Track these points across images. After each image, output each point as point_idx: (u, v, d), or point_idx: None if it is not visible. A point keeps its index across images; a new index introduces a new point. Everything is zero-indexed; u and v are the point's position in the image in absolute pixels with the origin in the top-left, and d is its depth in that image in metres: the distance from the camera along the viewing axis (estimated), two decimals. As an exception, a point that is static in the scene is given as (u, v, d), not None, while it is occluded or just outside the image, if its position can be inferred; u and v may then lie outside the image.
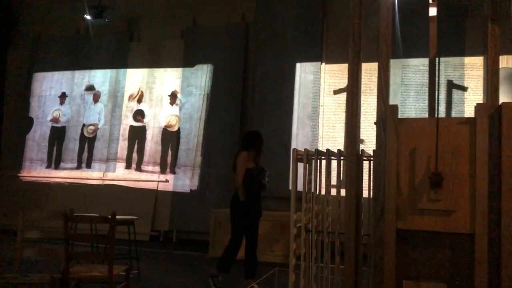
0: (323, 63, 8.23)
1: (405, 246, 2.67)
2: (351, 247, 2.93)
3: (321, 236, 3.41)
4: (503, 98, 3.49)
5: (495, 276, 2.43)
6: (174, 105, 9.15)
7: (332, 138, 8.02)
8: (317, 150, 3.38)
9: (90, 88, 9.76)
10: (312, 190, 3.42)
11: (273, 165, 8.19)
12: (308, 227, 3.29)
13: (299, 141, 8.19)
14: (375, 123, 2.86)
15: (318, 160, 3.35)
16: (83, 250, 5.48)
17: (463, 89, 7.05)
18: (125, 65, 9.57)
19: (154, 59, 9.39)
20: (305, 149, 3.39)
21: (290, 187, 7.98)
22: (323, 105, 8.15)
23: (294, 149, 3.35)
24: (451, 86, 7.26)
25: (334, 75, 8.13)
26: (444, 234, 2.58)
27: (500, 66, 4.32)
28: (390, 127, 2.73)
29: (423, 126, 2.67)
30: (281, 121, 8.30)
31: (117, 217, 5.03)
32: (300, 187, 3.46)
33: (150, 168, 9.10)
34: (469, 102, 7.22)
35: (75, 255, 3.98)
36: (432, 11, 3.72)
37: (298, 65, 8.36)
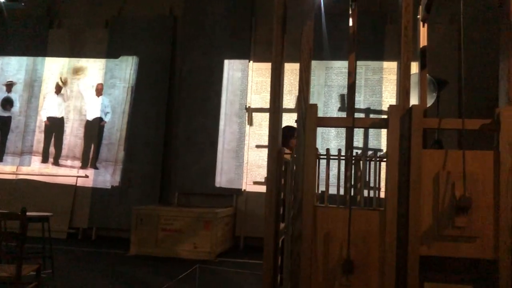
0: (251, 61, 8.31)
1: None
2: (270, 243, 2.97)
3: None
4: (414, 102, 3.71)
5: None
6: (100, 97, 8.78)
7: (258, 135, 8.13)
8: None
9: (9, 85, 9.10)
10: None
11: (200, 161, 8.15)
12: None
13: (226, 138, 8.20)
14: (296, 121, 2.93)
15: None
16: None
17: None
18: (43, 53, 9.02)
19: (75, 49, 8.94)
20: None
21: (217, 184, 8.00)
22: (250, 103, 8.23)
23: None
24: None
25: (261, 73, 8.22)
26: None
27: (413, 72, 4.59)
28: (310, 125, 2.81)
29: (341, 125, 2.78)
30: (208, 117, 8.26)
31: (31, 213, 4.74)
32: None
33: (69, 162, 8.67)
34: (387, 105, 7.62)
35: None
36: (352, 17, 3.88)
37: (226, 61, 8.37)
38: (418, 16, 3.77)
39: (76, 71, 8.92)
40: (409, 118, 2.70)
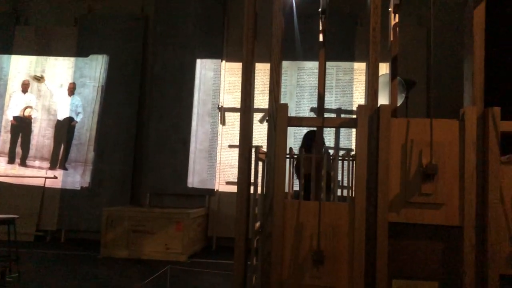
0: (224, 61, 8.29)
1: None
2: (241, 243, 2.97)
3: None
4: (383, 102, 3.77)
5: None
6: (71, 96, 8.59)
7: (231, 135, 8.11)
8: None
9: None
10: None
11: (171, 162, 8.08)
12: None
13: (198, 137, 8.15)
14: (267, 120, 2.94)
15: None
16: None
17: None
18: (9, 51, 8.77)
19: (43, 46, 8.72)
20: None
21: (189, 184, 7.94)
22: (222, 103, 8.21)
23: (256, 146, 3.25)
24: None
25: (234, 73, 8.22)
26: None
27: (382, 72, 4.68)
28: (280, 125, 2.82)
29: (311, 124, 2.80)
30: (180, 117, 8.20)
31: (-6, 216, 4.60)
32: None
33: (36, 163, 8.45)
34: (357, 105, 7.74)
35: None
36: (322, 18, 3.92)
37: (198, 61, 8.32)
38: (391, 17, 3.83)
39: (43, 69, 8.71)
40: (377, 118, 2.75)
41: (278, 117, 2.83)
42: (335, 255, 2.70)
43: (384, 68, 5.83)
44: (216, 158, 8.07)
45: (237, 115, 8.05)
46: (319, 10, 4.04)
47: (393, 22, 3.87)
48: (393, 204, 2.69)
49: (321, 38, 3.89)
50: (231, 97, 8.21)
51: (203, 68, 8.31)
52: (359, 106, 2.76)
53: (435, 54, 7.31)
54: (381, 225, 2.64)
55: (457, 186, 2.66)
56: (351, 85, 7.86)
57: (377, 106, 2.80)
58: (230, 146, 8.08)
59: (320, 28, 3.92)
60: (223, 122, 8.18)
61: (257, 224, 3.29)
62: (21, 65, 8.75)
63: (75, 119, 8.48)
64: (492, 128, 2.65)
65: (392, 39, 3.83)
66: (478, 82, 2.77)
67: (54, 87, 8.65)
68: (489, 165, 2.63)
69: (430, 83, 7.68)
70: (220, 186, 8.02)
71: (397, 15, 3.84)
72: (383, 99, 4.34)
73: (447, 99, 6.98)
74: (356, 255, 2.65)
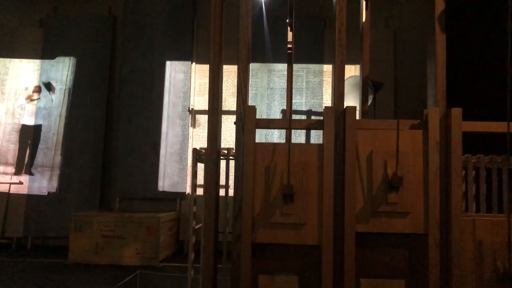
0: (194, 63, 8.24)
1: (261, 252, 2.79)
2: (210, 245, 2.95)
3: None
4: (351, 104, 3.82)
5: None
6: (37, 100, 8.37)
7: (202, 138, 8.06)
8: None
9: None
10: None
11: (141, 165, 7.98)
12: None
13: (168, 140, 8.07)
14: (235, 123, 2.93)
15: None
16: None
17: None
18: (-29, 53, 8.50)
19: (7, 48, 8.47)
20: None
21: (160, 188, 7.85)
22: (193, 105, 8.15)
23: (194, 148, 3.27)
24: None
25: (204, 75, 8.17)
26: (295, 246, 2.77)
27: (351, 74, 4.74)
28: (248, 127, 2.82)
29: (278, 126, 2.82)
30: (150, 120, 8.09)
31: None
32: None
33: (1, 168, 8.19)
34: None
35: None
36: (290, 29, 3.94)
37: (168, 63, 8.24)
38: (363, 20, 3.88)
39: (7, 72, 8.46)
40: (344, 119, 2.78)
41: (246, 119, 2.82)
42: (305, 191, 2.74)
43: (352, 70, 5.92)
44: (187, 161, 8.00)
45: (207, 117, 8.01)
46: (287, 19, 4.07)
47: (364, 24, 3.92)
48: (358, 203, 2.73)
49: (289, 38, 3.92)
50: (202, 99, 8.17)
51: (173, 70, 8.24)
52: (326, 108, 2.79)
53: (402, 56, 7.47)
54: (349, 234, 2.67)
55: (422, 193, 2.73)
56: (321, 87, 7.94)
57: (343, 107, 2.83)
58: (201, 149, 8.02)
59: (288, 30, 3.95)
60: (193, 125, 8.13)
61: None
62: (-17, 68, 8.47)
63: (40, 122, 8.28)
64: (454, 128, 2.72)
65: (363, 40, 3.87)
66: (440, 83, 2.83)
67: (19, 91, 8.41)
68: (451, 165, 2.70)
69: (397, 85, 7.84)
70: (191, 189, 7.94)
71: (367, 16, 3.90)
72: (352, 101, 4.40)
73: (413, 99, 7.13)
74: (325, 188, 2.70)
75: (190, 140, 8.07)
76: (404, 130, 2.76)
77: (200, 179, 8.02)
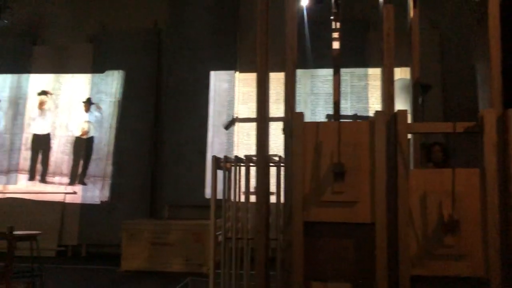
0: (237, 72, 8.33)
1: (312, 238, 2.75)
2: (261, 252, 2.97)
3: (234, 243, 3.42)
4: (401, 107, 3.75)
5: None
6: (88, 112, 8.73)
7: (247, 145, 8.12)
8: (236, 157, 3.41)
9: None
10: (226, 197, 3.45)
11: (188, 173, 8.11)
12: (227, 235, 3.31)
13: (214, 148, 8.18)
14: (283, 130, 2.94)
15: (238, 167, 3.39)
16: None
17: None
18: (28, 70, 8.96)
19: (60, 64, 8.88)
20: (224, 156, 3.41)
21: (207, 195, 7.96)
22: (237, 113, 8.24)
23: (213, 156, 3.35)
24: None
25: (248, 83, 8.24)
26: (347, 225, 2.70)
27: (397, 77, 4.65)
28: (297, 133, 2.82)
29: (328, 127, 2.80)
30: (196, 129, 8.24)
31: (18, 232, 4.67)
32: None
33: (56, 179, 8.57)
34: (373, 111, 7.68)
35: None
36: (335, 31, 3.93)
37: (212, 73, 8.38)
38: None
39: (60, 86, 8.86)
40: (395, 122, 2.73)
41: (294, 125, 2.83)
42: (357, 169, 2.68)
43: (398, 73, 5.81)
44: (232, 169, 8.06)
45: (251, 125, 8.06)
46: (331, 17, 4.05)
47: (412, 23, 3.85)
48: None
49: (335, 45, 3.89)
50: (246, 107, 8.24)
51: (217, 79, 8.36)
52: (376, 112, 2.75)
53: (449, 57, 7.25)
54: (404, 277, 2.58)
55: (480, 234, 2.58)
56: (366, 90, 7.83)
57: (393, 111, 2.79)
58: (246, 156, 8.07)
59: (334, 34, 3.92)
60: (238, 133, 8.21)
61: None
62: (39, 84, 8.91)
63: (92, 134, 8.62)
64: (512, 129, 2.61)
65: (412, 40, 3.80)
66: (496, 83, 2.74)
67: (72, 104, 8.79)
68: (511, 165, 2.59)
69: (446, 87, 7.61)
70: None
71: (415, 15, 3.83)
72: (400, 104, 4.31)
73: (461, 101, 6.91)
74: (377, 166, 2.64)
75: (235, 147, 8.15)
76: (459, 170, 2.63)
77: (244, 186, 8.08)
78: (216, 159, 3.84)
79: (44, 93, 8.82)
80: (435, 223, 2.59)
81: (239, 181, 3.63)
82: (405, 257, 2.57)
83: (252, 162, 3.55)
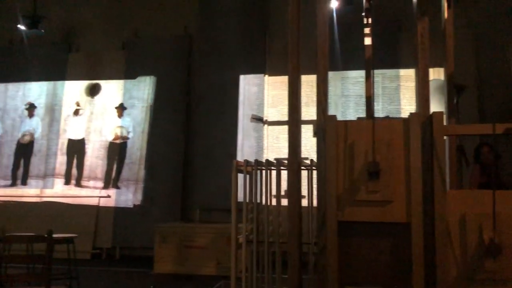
0: (266, 75, 8.34)
1: (346, 238, 2.72)
2: (295, 256, 2.95)
3: (263, 246, 3.42)
4: (434, 108, 3.67)
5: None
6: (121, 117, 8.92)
7: (276, 148, 8.11)
8: (256, 160, 3.42)
9: (31, 106, 9.31)
10: (253, 201, 3.45)
11: (218, 177, 8.16)
12: (250, 238, 3.31)
13: (244, 152, 8.21)
14: (315, 133, 2.92)
15: (260, 171, 3.39)
16: (20, 272, 5.16)
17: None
18: (63, 77, 9.22)
19: (94, 71, 9.11)
20: (245, 160, 3.43)
21: (239, 199, 7.98)
22: (267, 116, 8.24)
23: (234, 160, 3.37)
24: None
25: (277, 87, 8.24)
26: (383, 224, 2.66)
27: (431, 78, 4.55)
28: (330, 136, 2.79)
29: (361, 126, 2.76)
30: (226, 133, 8.29)
31: (55, 235, 4.80)
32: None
33: (90, 183, 8.78)
34: (406, 112, 7.55)
35: (7, 278, 3.73)
36: (366, 26, 3.88)
37: (241, 76, 8.42)
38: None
39: (92, 92, 9.08)
40: (430, 125, 2.67)
41: (327, 128, 2.80)
42: (391, 167, 2.63)
43: (432, 74, 5.68)
44: (262, 172, 8.06)
45: (281, 128, 8.05)
46: (363, 14, 3.99)
47: (446, 23, 3.77)
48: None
49: (367, 42, 3.84)
50: (275, 110, 8.23)
51: (247, 83, 8.40)
52: (411, 114, 2.70)
53: (485, 57, 7.06)
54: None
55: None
56: (398, 92, 7.70)
57: (429, 113, 2.73)
58: (276, 160, 8.06)
59: (366, 29, 3.87)
60: (268, 136, 8.20)
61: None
62: (73, 90, 9.16)
63: (126, 139, 8.79)
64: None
65: (446, 40, 3.72)
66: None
67: (105, 109, 8.99)
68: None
69: (481, 87, 7.41)
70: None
71: (450, 16, 3.74)
72: (434, 105, 4.22)
73: (497, 102, 6.71)
74: (413, 166, 2.58)
75: (265, 151, 8.15)
76: (498, 192, 2.52)
77: (275, 189, 8.06)
78: (236, 163, 3.87)
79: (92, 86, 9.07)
80: (474, 247, 2.50)
81: (270, 185, 3.62)
82: (443, 282, 2.49)
83: (283, 166, 3.54)
